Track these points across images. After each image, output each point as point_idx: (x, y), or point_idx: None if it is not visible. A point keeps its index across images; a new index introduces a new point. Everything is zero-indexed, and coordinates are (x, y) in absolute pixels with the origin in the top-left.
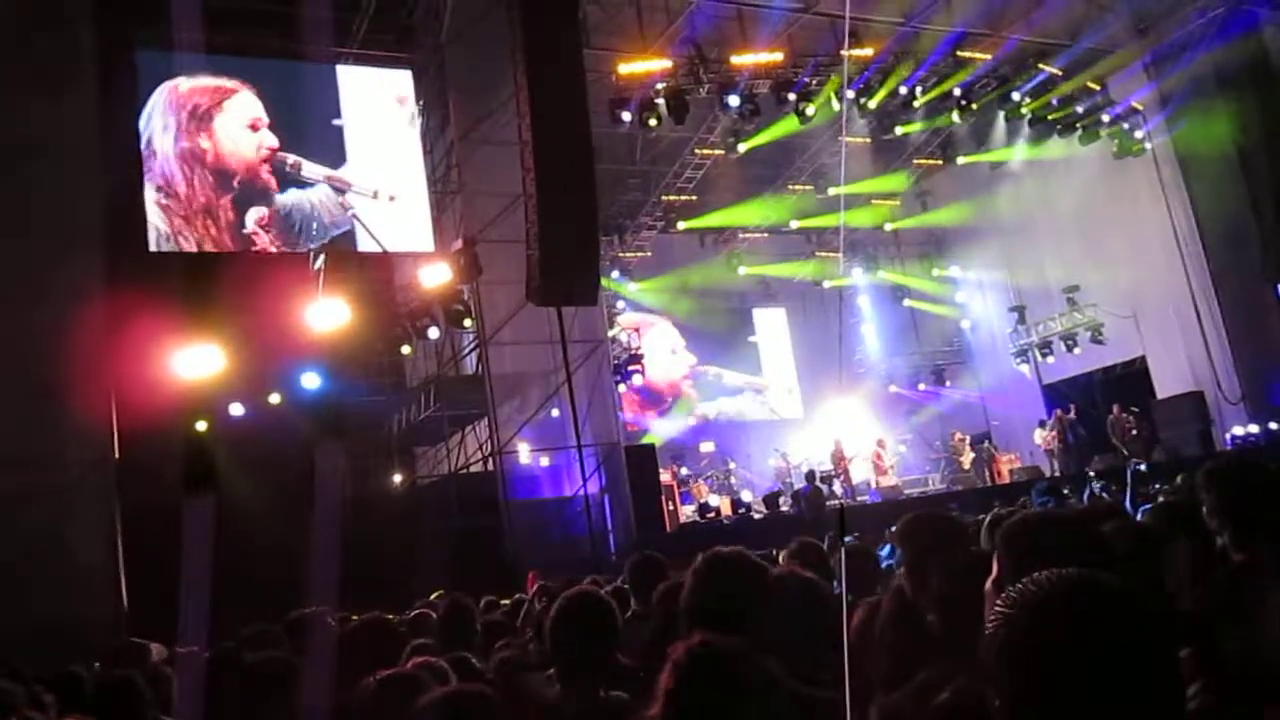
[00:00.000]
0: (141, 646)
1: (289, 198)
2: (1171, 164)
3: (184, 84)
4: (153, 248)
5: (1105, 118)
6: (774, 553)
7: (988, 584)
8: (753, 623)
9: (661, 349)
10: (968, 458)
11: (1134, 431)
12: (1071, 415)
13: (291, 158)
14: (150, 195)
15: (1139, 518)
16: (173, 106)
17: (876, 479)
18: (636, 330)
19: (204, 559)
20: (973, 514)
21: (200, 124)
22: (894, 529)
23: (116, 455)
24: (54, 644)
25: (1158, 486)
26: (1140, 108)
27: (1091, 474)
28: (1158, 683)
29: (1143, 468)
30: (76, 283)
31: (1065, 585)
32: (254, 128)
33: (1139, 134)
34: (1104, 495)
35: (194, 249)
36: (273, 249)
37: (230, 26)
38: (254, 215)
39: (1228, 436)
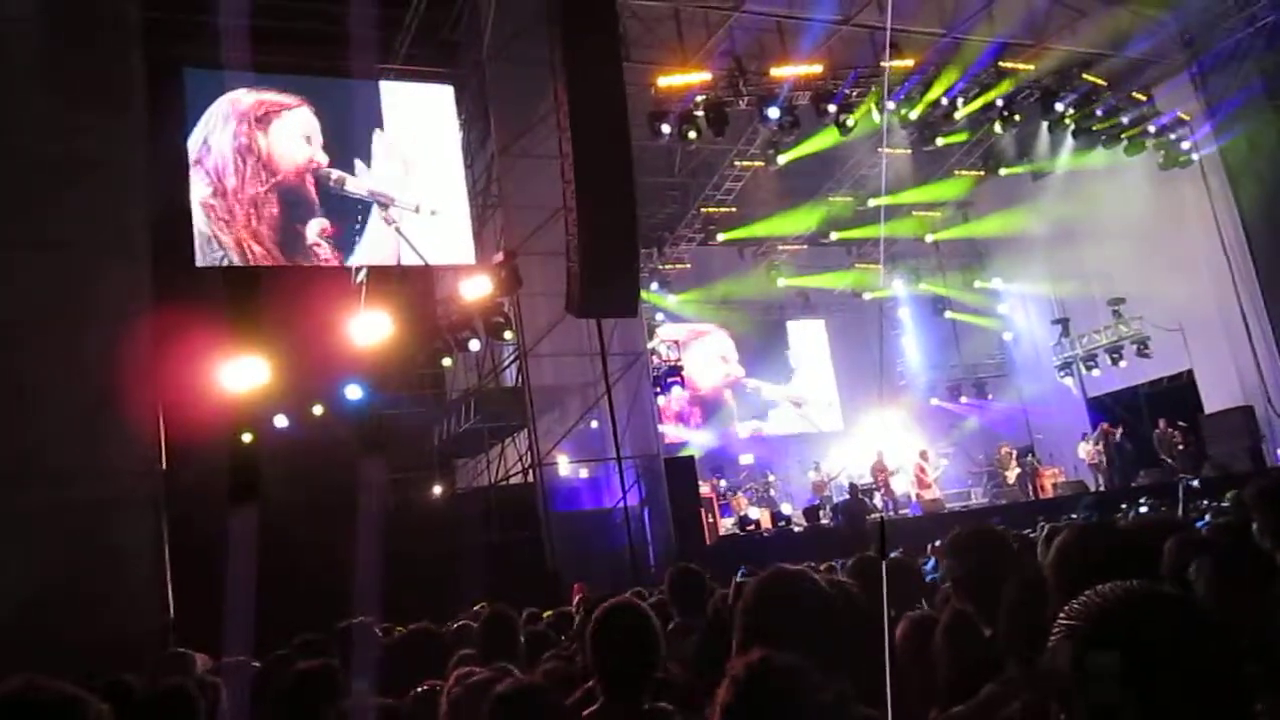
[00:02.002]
0: (186, 656)
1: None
2: (1219, 174)
3: (246, 97)
4: (198, 250)
5: (1151, 128)
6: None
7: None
8: (809, 640)
9: (712, 355)
10: (1013, 472)
11: (1181, 446)
12: (1117, 429)
13: (335, 173)
14: (198, 194)
15: None
16: (235, 113)
17: (918, 492)
18: (676, 343)
19: (249, 569)
20: (1017, 529)
21: (259, 123)
22: (939, 543)
23: (163, 467)
24: (101, 654)
25: (1207, 503)
26: (1187, 118)
27: (1141, 494)
28: (1223, 697)
29: (1194, 483)
30: (125, 298)
31: (1129, 598)
32: (307, 141)
33: (1185, 144)
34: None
35: (233, 244)
36: (334, 262)
37: (275, 44)
38: (316, 227)
39: (1279, 453)
